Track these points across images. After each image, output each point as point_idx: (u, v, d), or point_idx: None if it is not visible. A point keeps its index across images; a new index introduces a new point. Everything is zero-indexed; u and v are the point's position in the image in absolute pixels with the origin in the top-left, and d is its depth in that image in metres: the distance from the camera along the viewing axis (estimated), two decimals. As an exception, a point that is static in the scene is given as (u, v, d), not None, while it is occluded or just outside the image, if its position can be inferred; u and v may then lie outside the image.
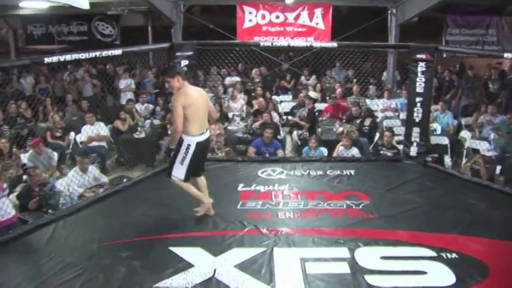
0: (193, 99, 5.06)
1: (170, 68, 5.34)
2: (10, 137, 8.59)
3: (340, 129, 9.00)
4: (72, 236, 5.21)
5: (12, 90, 12.24)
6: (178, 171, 5.24)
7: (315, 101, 10.31)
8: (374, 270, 4.44)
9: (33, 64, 6.03)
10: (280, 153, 8.10)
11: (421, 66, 7.12)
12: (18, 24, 16.16)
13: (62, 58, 5.84)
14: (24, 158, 8.04)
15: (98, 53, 6.25)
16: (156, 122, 9.88)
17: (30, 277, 4.42)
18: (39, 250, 4.97)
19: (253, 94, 10.89)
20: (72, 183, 6.76)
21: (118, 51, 6.48)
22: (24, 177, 7.19)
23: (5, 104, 10.05)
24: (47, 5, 13.59)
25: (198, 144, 5.18)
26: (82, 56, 6.13)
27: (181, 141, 5.15)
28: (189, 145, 5.15)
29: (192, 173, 5.34)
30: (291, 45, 8.21)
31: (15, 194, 6.77)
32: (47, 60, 5.68)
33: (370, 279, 4.32)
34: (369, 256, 4.68)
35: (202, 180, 5.60)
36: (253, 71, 11.91)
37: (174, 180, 5.29)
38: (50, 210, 6.33)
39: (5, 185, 5.64)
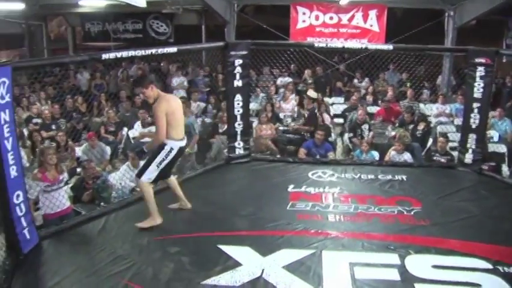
0: (174, 106, 5.23)
1: (142, 78, 5.49)
2: (66, 131, 8.82)
3: (393, 133, 8.85)
4: (123, 229, 5.31)
5: (69, 85, 12.59)
6: (152, 174, 5.26)
7: (314, 100, 10.16)
8: (425, 279, 4.34)
9: (91, 60, 6.19)
10: (331, 155, 8.03)
11: (480, 71, 6.92)
12: (77, 22, 16.62)
13: (118, 55, 5.97)
14: (79, 151, 8.24)
15: (153, 50, 6.36)
16: (208, 120, 9.95)
17: (82, 267, 4.54)
18: (91, 241, 5.09)
19: (304, 95, 10.83)
20: (125, 177, 6.88)
21: (173, 49, 6.56)
22: (78, 169, 7.37)
23: (62, 99, 10.33)
24: (105, 3, 13.95)
25: (179, 148, 5.31)
26: (138, 53, 6.25)
27: (162, 145, 5.21)
28: (171, 149, 5.24)
29: (161, 176, 5.41)
30: (346, 46, 8.12)
31: (69, 185, 6.94)
32: (104, 56, 5.82)
33: (420, 288, 4.23)
34: (420, 264, 4.58)
35: (173, 181, 5.79)
36: (306, 72, 11.84)
37: (143, 182, 5.27)
38: (102, 203, 6.48)
39: (61, 177, 5.77)
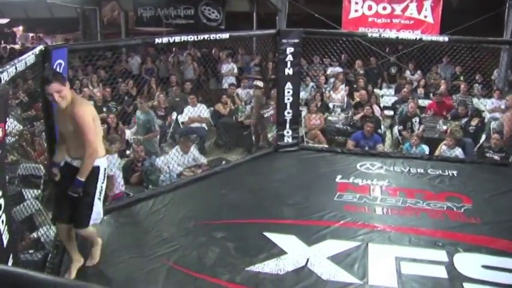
0: (95, 111, 4.14)
1: (58, 74, 4.04)
2: (117, 113, 9.00)
3: (444, 127, 8.65)
4: (170, 212, 5.39)
5: (120, 69, 12.82)
6: (99, 212, 4.18)
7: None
8: (474, 279, 4.22)
9: (144, 44, 6.29)
10: (380, 147, 7.91)
11: (541, 66, 6.66)
12: (130, 6, 16.86)
13: (171, 39, 6.05)
14: (129, 133, 8.39)
15: (206, 36, 6.40)
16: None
17: (128, 247, 4.64)
18: (139, 223, 5.21)
19: (355, 86, 10.69)
20: (173, 161, 6.97)
21: (226, 35, 6.59)
22: (128, 152, 7.51)
23: (114, 82, 10.53)
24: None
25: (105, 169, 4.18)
26: (191, 38, 6.32)
27: (95, 168, 4.00)
28: (105, 169, 4.14)
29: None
30: (400, 37, 7.94)
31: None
32: (157, 40, 5.90)
33: (469, 287, 4.12)
34: (469, 263, 4.47)
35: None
36: (357, 63, 11.69)
37: (88, 228, 4.16)
38: (150, 186, 6.59)
39: (113, 157, 5.90)
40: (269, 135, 8.41)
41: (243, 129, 8.97)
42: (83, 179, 3.89)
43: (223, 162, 7.20)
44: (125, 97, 10.01)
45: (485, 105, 10.03)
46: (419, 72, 11.83)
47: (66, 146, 4.08)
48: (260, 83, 9.50)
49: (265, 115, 8.57)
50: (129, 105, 9.59)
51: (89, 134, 3.84)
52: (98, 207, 4.07)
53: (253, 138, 8.65)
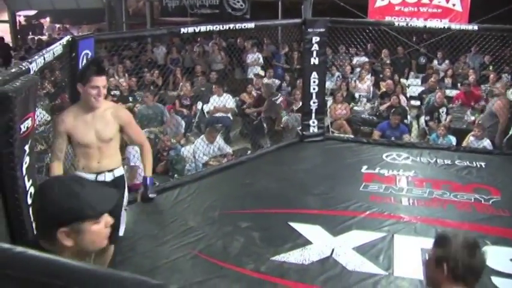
0: None
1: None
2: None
3: (472, 118, 8.51)
4: (195, 201, 5.42)
5: (146, 58, 12.90)
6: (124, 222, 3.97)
7: (262, 77, 9.98)
8: (502, 273, 4.14)
9: (169, 34, 6.31)
10: (406, 138, 7.84)
11: None
12: (155, -4, 16.94)
13: (197, 29, 6.06)
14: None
15: (231, 25, 6.42)
16: (282, 98, 9.93)
17: (154, 236, 4.70)
18: (164, 211, 5.25)
19: (381, 75, 10.59)
20: (199, 150, 7.00)
21: (251, 25, 6.60)
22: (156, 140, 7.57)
23: (140, 72, 10.61)
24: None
25: None
26: (216, 27, 6.31)
27: (121, 176, 3.78)
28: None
29: None
30: (428, 26, 7.83)
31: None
32: (183, 30, 5.93)
33: (497, 281, 4.05)
34: (497, 256, 4.36)
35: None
36: (383, 52, 11.56)
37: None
38: (175, 175, 6.63)
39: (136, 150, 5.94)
40: (283, 120, 8.43)
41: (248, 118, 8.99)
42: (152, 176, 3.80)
43: (249, 152, 7.21)
44: (151, 87, 10.07)
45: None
46: (447, 61, 11.65)
47: (90, 158, 3.54)
48: (262, 72, 9.53)
49: (277, 102, 8.59)
50: (155, 95, 9.65)
51: (141, 130, 3.78)
52: (124, 218, 3.90)
53: (265, 125, 8.65)
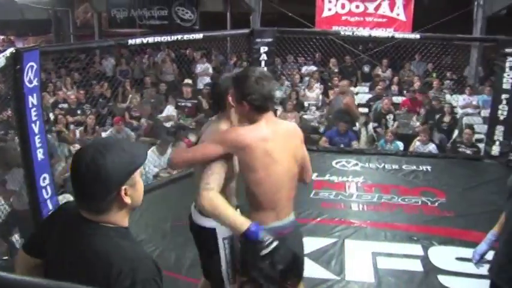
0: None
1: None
2: (96, 116, 8.94)
3: (418, 123, 8.76)
4: (147, 213, 5.35)
5: (94, 71, 12.72)
6: None
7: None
8: (449, 271, 4.33)
9: (117, 45, 6.25)
10: (355, 144, 7.99)
11: (510, 62, 6.79)
12: (103, 8, 16.68)
13: (144, 40, 6.03)
14: (105, 135, 8.32)
15: (179, 36, 6.39)
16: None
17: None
18: (116, 225, 5.15)
19: (329, 84, 10.77)
20: (149, 162, 6.93)
21: (199, 35, 6.60)
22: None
23: (88, 84, 10.45)
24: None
25: None
26: (164, 38, 6.31)
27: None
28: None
29: None
30: (372, 35, 8.04)
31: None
32: (130, 41, 5.88)
33: (443, 279, 4.22)
34: (443, 256, 4.57)
35: None
36: (331, 61, 11.77)
37: None
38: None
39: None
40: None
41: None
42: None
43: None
44: (100, 99, 9.92)
45: (457, 101, 10.19)
46: (390, 69, 11.96)
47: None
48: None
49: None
50: (103, 108, 9.51)
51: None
52: None
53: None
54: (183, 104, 8.87)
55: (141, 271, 1.59)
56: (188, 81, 9.50)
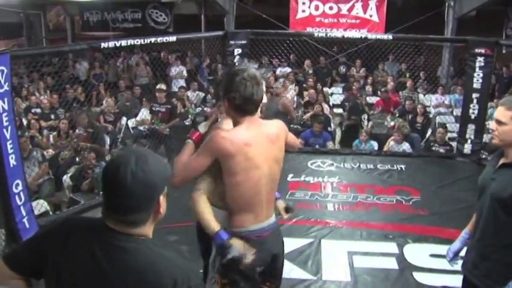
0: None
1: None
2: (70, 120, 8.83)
3: (392, 123, 8.86)
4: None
5: (68, 75, 12.58)
6: None
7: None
8: (423, 268, 4.39)
9: (90, 49, 6.19)
10: (330, 145, 8.04)
11: (480, 61, 6.92)
12: (76, 11, 16.53)
13: (117, 43, 5.99)
14: (78, 140, 8.23)
15: (153, 39, 6.35)
16: (207, 109, 9.96)
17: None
18: (92, 230, 5.09)
19: (304, 85, 10.82)
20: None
21: (172, 38, 6.58)
22: (77, 159, 7.38)
23: (61, 88, 10.32)
24: (104, -8, 13.91)
25: None
26: (137, 41, 6.25)
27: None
28: None
29: None
30: (346, 36, 8.12)
31: (68, 174, 6.96)
32: (103, 45, 5.83)
33: (418, 276, 4.28)
34: (418, 253, 4.63)
35: None
36: (306, 62, 11.83)
37: None
38: (101, 192, 6.47)
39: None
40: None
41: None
42: None
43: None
44: (73, 103, 9.82)
45: (430, 100, 10.34)
46: (363, 69, 12.06)
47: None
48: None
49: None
50: (77, 112, 9.41)
51: None
52: None
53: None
54: (156, 108, 8.77)
55: (193, 277, 1.61)
56: (162, 86, 9.41)
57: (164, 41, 6.49)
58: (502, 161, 2.58)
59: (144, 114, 8.89)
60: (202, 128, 2.87)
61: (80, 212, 5.47)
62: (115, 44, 5.98)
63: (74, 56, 13.04)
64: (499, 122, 2.50)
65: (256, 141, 2.58)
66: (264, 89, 2.58)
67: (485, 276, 2.59)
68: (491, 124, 2.57)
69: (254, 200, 2.64)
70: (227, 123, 2.79)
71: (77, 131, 7.93)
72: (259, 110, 2.62)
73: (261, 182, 2.63)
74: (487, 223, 2.60)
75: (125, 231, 1.57)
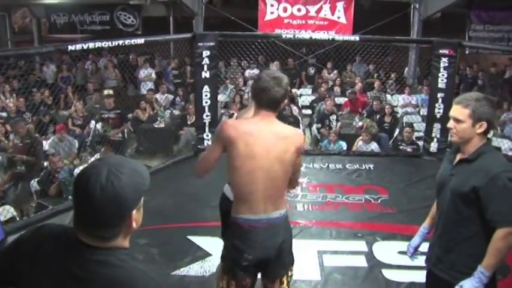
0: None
1: None
2: (37, 123, 8.69)
3: (360, 123, 8.97)
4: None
5: (35, 78, 12.38)
6: None
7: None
8: (392, 265, 4.45)
9: (57, 51, 6.11)
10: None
11: (444, 62, 7.07)
12: (42, 13, 16.28)
13: (85, 46, 5.93)
14: (46, 144, 8.11)
15: (120, 42, 6.31)
16: (176, 112, 9.91)
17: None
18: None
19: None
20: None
21: (140, 40, 6.53)
22: (45, 163, 7.27)
23: (28, 91, 10.16)
24: (71, -6, 13.73)
25: None
26: (105, 44, 6.19)
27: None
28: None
29: None
30: (313, 38, 8.19)
31: (36, 179, 6.85)
32: (70, 47, 5.75)
33: (387, 273, 4.34)
34: (386, 250, 4.70)
35: None
36: (274, 64, 11.89)
37: None
38: (70, 197, 6.40)
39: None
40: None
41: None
42: None
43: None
44: (41, 107, 9.67)
45: (398, 101, 10.49)
46: (335, 71, 12.18)
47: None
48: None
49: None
50: (44, 115, 9.27)
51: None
52: None
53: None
54: (106, 115, 8.66)
55: (163, 285, 1.61)
56: (109, 91, 9.22)
57: (132, 43, 6.45)
58: (459, 157, 2.66)
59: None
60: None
61: (47, 217, 5.39)
62: (82, 47, 5.92)
63: (40, 59, 12.84)
64: (456, 120, 2.59)
65: (260, 133, 2.72)
66: (283, 91, 2.73)
67: (450, 268, 2.67)
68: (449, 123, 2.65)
69: (249, 189, 2.74)
70: (247, 115, 3.07)
71: (14, 139, 7.57)
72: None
73: (256, 173, 2.72)
74: (448, 217, 2.68)
75: (97, 245, 1.50)
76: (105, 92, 9.25)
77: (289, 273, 3.04)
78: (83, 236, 1.51)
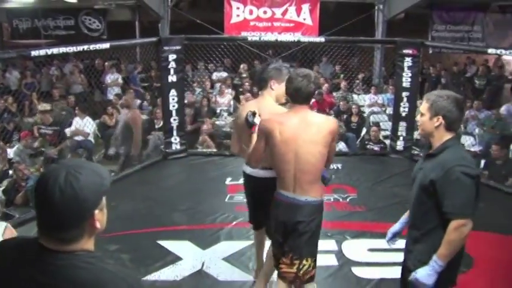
0: None
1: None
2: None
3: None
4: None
5: (-4, 84, 12.13)
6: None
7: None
8: (361, 262, 4.53)
9: (20, 57, 6.01)
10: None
11: (408, 62, 7.19)
12: (3, 18, 15.96)
13: (49, 51, 5.85)
14: (11, 152, 7.96)
15: (85, 47, 6.25)
16: (144, 117, 9.83)
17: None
18: (27, 244, 4.94)
19: (240, 89, 10.87)
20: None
21: (106, 45, 6.50)
22: (10, 172, 7.14)
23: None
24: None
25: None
26: (70, 49, 6.12)
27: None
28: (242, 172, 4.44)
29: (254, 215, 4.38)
30: (279, 40, 8.24)
31: (1, 188, 6.73)
32: (34, 53, 5.68)
33: (357, 271, 4.40)
34: (356, 248, 4.76)
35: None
36: (241, 66, 11.90)
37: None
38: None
39: None
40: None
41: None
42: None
43: (112, 174, 7.04)
44: (4, 114, 9.47)
45: (364, 100, 10.62)
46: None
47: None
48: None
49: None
50: (8, 123, 9.09)
51: None
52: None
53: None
54: (43, 131, 8.29)
55: (136, 285, 1.57)
56: (46, 107, 8.71)
57: (98, 48, 6.41)
58: (427, 152, 2.75)
59: (78, 123, 8.67)
60: (257, 120, 3.43)
61: (14, 227, 5.24)
62: (46, 52, 5.85)
63: (3, 65, 12.60)
64: (421, 114, 2.75)
65: (291, 122, 3.20)
66: (314, 86, 3.16)
67: (416, 259, 2.76)
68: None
69: (282, 168, 3.26)
70: (269, 109, 3.59)
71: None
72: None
73: (288, 155, 3.20)
74: (415, 210, 2.82)
75: (59, 249, 1.49)
76: (40, 107, 8.78)
77: (304, 262, 3.39)
78: (45, 240, 1.50)
